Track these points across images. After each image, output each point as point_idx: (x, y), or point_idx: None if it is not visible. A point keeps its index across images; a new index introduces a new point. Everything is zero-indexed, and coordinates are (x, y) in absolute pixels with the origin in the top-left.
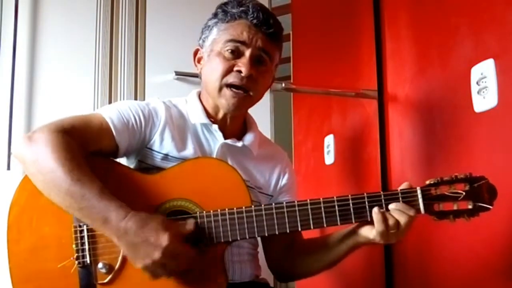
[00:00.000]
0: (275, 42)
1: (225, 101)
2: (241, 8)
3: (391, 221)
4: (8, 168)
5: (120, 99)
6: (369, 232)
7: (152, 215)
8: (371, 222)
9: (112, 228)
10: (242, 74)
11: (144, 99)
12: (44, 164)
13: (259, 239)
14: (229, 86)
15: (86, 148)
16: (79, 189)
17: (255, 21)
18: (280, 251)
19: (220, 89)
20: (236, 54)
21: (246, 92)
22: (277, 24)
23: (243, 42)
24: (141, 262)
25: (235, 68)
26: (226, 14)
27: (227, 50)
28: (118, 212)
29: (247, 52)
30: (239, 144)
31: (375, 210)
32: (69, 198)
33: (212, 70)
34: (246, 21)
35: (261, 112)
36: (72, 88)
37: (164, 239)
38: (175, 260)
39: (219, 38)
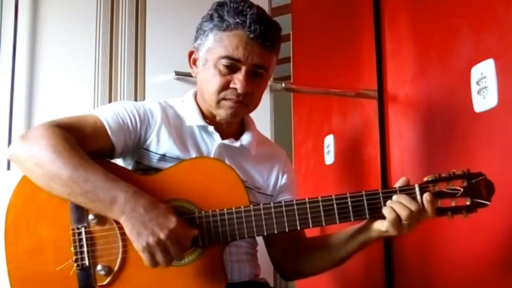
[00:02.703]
0: (272, 51)
1: (223, 111)
2: (237, 19)
3: (405, 212)
4: (8, 168)
5: (120, 99)
6: (381, 225)
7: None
8: (382, 217)
9: (120, 206)
10: (238, 91)
11: (144, 99)
12: (41, 156)
13: (258, 238)
14: (226, 99)
15: (82, 147)
16: (82, 174)
17: (252, 35)
18: (282, 250)
19: (218, 102)
20: (232, 69)
21: (243, 104)
22: (275, 33)
23: (238, 60)
24: (144, 240)
25: (231, 85)
26: (222, 21)
27: (222, 65)
28: (127, 191)
29: (243, 69)
30: (237, 144)
31: (390, 200)
32: (72, 184)
33: (208, 82)
34: (243, 33)
35: (261, 112)
36: (72, 88)
37: (172, 221)
38: (178, 245)
39: (214, 49)
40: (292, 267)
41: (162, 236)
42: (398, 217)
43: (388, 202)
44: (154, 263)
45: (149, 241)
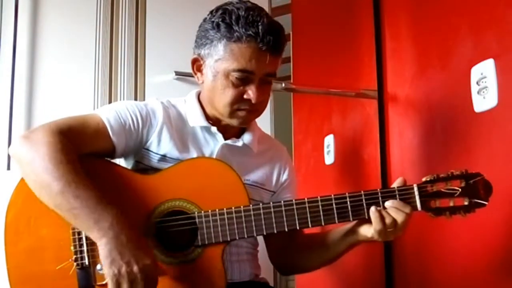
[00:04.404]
0: (280, 57)
1: (236, 120)
2: (250, 31)
3: (388, 220)
4: (8, 168)
5: (120, 99)
6: (367, 231)
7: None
8: (369, 221)
9: (102, 229)
10: (253, 101)
11: (144, 99)
12: (38, 164)
13: (259, 238)
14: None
15: (83, 148)
16: (73, 190)
17: (264, 47)
18: (281, 245)
19: (232, 112)
20: (244, 81)
21: (255, 111)
22: (284, 39)
23: (251, 72)
24: (116, 268)
25: (245, 96)
26: (231, 31)
27: (235, 77)
28: (115, 216)
29: (256, 80)
30: (239, 143)
31: (372, 209)
32: (60, 198)
33: (221, 93)
34: (255, 45)
35: None
36: (72, 88)
37: (149, 258)
38: (147, 283)
39: (225, 60)
40: (289, 263)
41: (135, 268)
42: (384, 227)
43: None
44: None
45: (121, 270)
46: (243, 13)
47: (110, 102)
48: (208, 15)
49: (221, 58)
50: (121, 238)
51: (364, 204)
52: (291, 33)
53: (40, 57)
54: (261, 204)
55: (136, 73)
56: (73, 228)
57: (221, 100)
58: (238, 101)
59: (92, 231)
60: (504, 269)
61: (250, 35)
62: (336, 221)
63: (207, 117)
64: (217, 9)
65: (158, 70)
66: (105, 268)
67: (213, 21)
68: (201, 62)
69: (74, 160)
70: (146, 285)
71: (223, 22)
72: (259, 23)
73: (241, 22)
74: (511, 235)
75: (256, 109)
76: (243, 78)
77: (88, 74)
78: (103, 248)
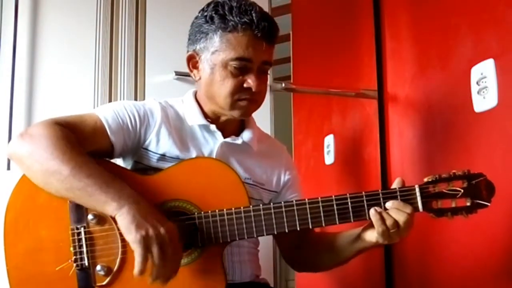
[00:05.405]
0: (274, 46)
1: (237, 112)
2: (244, 19)
3: (389, 221)
4: (8, 168)
5: (120, 99)
6: (372, 236)
7: None
8: (372, 226)
9: (122, 199)
10: (253, 90)
11: (144, 99)
12: (42, 154)
13: (264, 237)
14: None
15: (81, 147)
16: (85, 170)
17: (259, 33)
18: (292, 246)
19: (233, 103)
20: (243, 70)
21: (255, 101)
22: (277, 27)
23: (249, 60)
24: (144, 230)
25: (245, 85)
26: (225, 21)
27: (233, 67)
28: (131, 189)
29: (254, 68)
30: (239, 141)
31: (372, 211)
32: (72, 179)
33: (220, 85)
34: (251, 33)
35: (261, 112)
36: (72, 88)
37: (171, 223)
38: (172, 244)
39: (222, 51)
40: (301, 262)
41: (162, 230)
42: (386, 228)
43: (382, 211)
44: (146, 258)
45: (148, 232)
46: (235, 3)
47: (110, 102)
48: (199, 12)
49: (217, 49)
50: (142, 204)
51: (365, 205)
52: (291, 33)
53: (40, 57)
54: (261, 205)
55: (136, 73)
56: (72, 229)
57: (221, 91)
58: (238, 90)
59: (110, 204)
60: (505, 270)
61: (246, 23)
62: (337, 222)
63: (206, 115)
64: (208, 4)
65: (158, 70)
66: (131, 235)
67: (206, 15)
68: (197, 58)
69: (77, 144)
70: (174, 247)
71: (216, 14)
72: (252, 11)
73: (234, 11)
74: (511, 234)
75: (255, 99)
76: (242, 67)
77: (88, 74)
78: (125, 216)
